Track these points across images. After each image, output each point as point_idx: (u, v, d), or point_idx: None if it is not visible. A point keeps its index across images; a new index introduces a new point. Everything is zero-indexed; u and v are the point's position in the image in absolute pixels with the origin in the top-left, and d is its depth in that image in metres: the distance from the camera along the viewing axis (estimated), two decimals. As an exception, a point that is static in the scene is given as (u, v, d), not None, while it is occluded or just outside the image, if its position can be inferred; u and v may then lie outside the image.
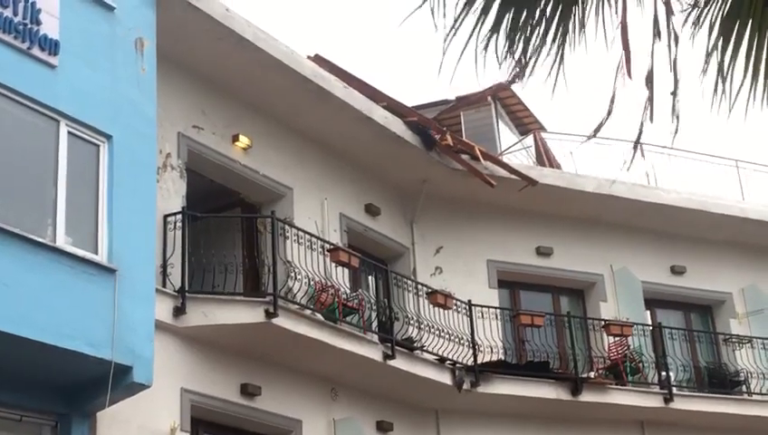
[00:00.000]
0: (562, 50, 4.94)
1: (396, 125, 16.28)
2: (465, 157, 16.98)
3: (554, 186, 18.14)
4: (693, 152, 20.48)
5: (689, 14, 4.93)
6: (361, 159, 16.45)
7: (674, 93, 4.90)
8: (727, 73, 4.91)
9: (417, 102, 19.33)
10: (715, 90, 4.95)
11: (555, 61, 4.95)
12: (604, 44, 4.95)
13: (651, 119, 4.92)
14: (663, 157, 20.14)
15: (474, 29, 4.88)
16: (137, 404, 11.22)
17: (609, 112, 4.99)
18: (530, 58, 4.94)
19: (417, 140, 16.57)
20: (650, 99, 4.90)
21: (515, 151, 20.27)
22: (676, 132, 4.98)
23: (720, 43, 4.88)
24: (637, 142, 5.04)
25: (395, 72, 44.80)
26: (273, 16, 41.99)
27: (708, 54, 4.90)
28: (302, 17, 47.94)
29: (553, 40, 4.93)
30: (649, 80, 4.87)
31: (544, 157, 20.59)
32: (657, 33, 4.85)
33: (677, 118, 4.93)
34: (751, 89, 4.93)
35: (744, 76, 4.91)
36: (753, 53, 4.86)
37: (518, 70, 4.95)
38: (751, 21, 4.81)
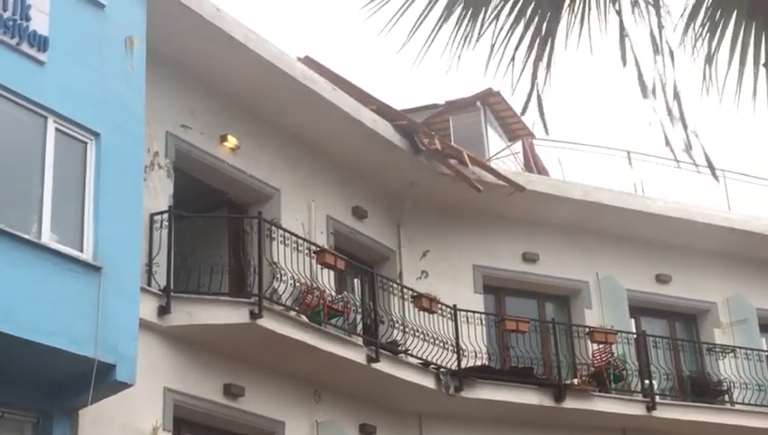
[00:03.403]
0: (549, 53, 4.96)
1: (384, 128, 16.29)
2: (453, 161, 16.99)
3: (541, 192, 18.16)
4: (680, 161, 20.52)
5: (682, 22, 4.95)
6: (349, 161, 16.45)
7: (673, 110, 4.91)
8: (713, 60, 4.93)
9: (407, 106, 19.35)
10: (704, 77, 4.96)
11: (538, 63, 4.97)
12: (591, 50, 4.97)
13: (686, 129, 4.94)
14: (650, 165, 20.23)
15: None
16: (119, 403, 11.19)
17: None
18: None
19: (406, 143, 16.58)
20: (671, 112, 4.90)
21: (503, 157, 20.29)
22: (689, 142, 5.00)
23: (706, 29, 4.90)
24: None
25: (385, 75, 44.85)
26: (263, 17, 42.00)
27: (695, 41, 4.91)
28: (293, 18, 47.95)
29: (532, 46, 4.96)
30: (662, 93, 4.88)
31: (532, 163, 20.63)
32: (655, 48, 4.87)
33: (688, 135, 4.94)
34: (739, 78, 4.94)
35: (730, 62, 4.93)
36: (740, 39, 4.88)
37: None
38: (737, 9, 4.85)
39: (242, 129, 14.83)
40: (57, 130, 10.98)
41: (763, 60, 4.87)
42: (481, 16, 4.87)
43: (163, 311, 12.41)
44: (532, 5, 4.86)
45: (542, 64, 4.91)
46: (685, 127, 4.93)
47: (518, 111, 19.48)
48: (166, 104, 13.64)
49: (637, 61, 4.87)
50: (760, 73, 4.90)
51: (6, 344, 9.85)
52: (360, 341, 14.63)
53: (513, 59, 4.90)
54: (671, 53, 4.88)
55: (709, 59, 4.94)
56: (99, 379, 10.38)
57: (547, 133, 4.99)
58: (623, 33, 4.88)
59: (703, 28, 4.91)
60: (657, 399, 17.24)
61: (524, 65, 4.91)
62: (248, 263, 13.78)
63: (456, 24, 4.88)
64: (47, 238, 10.47)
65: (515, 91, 4.95)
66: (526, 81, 4.94)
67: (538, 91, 4.89)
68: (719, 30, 4.89)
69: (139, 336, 11.22)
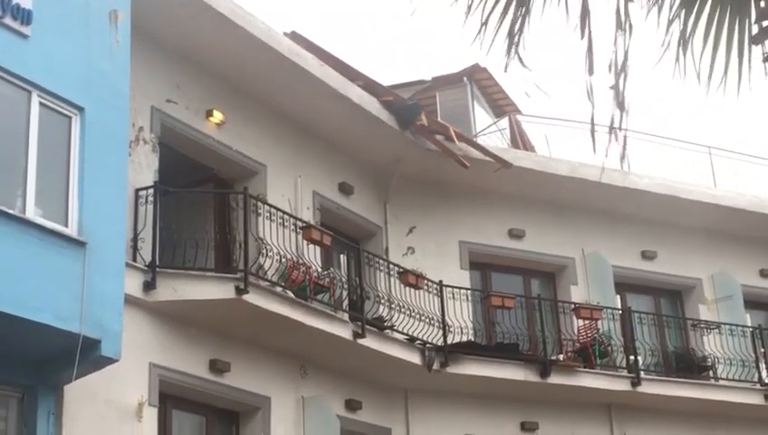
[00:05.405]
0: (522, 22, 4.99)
1: (371, 104, 16.25)
2: (439, 138, 16.97)
3: (528, 169, 18.18)
4: (666, 138, 20.59)
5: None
6: (336, 137, 16.41)
7: (617, 85, 4.94)
8: (688, 43, 4.93)
9: (393, 82, 19.30)
10: (677, 60, 4.96)
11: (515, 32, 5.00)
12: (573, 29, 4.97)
13: (621, 107, 4.96)
14: (636, 142, 20.24)
15: None
16: (105, 378, 11.17)
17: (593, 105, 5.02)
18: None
19: (392, 119, 16.55)
20: (615, 87, 4.93)
21: (490, 133, 20.28)
22: (621, 119, 5.03)
23: (682, 13, 4.89)
24: (610, 129, 5.08)
25: (372, 50, 44.70)
26: (250, -8, 41.67)
27: (669, 23, 4.91)
28: (280, -7, 47.64)
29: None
30: (612, 68, 4.90)
31: (519, 139, 20.62)
32: (619, 23, 4.88)
33: (624, 107, 4.97)
34: (712, 60, 4.93)
35: (705, 45, 4.92)
36: (715, 22, 4.86)
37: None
38: None
39: (228, 104, 14.77)
40: (41, 104, 10.90)
41: (742, 44, 4.87)
42: None
43: (148, 286, 12.37)
44: None
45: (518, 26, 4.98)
46: (623, 106, 4.96)
47: (505, 86, 19.44)
48: (151, 79, 13.57)
49: (590, 35, 4.90)
50: (742, 56, 4.90)
51: (-9, 320, 9.81)
52: (346, 317, 14.64)
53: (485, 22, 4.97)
54: (631, 26, 4.89)
55: (685, 41, 4.95)
56: (84, 354, 10.35)
57: (524, 67, 5.04)
58: (586, 7, 4.91)
59: (680, 9, 4.91)
60: (642, 374, 17.32)
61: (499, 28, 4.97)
62: (234, 238, 13.75)
63: None
64: (32, 213, 10.41)
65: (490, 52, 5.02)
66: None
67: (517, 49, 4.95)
68: (694, 11, 4.89)
69: (125, 312, 11.19)
